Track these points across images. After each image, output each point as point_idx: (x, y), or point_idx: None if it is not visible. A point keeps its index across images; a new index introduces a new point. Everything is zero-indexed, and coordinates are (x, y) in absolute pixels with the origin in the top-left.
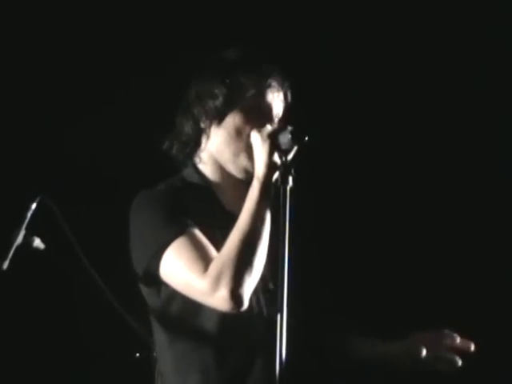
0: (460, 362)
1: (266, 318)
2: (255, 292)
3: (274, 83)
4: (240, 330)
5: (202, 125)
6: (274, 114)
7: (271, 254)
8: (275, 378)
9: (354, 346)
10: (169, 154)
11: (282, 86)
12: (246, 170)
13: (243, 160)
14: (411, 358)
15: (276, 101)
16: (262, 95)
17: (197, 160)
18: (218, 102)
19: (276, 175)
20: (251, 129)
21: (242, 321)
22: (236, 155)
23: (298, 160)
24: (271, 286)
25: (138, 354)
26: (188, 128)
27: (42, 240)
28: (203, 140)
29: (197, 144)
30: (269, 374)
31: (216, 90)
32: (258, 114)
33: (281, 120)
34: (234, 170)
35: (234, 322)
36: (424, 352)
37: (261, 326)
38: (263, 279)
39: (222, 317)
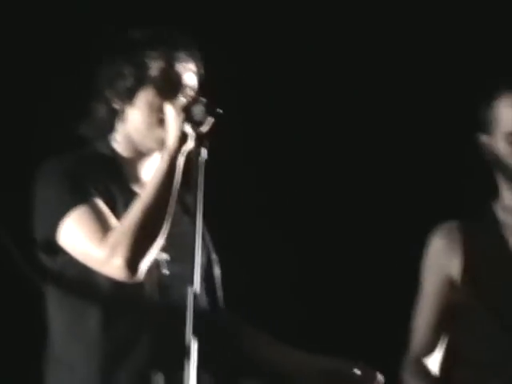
0: None
1: (161, 295)
2: (153, 265)
3: (181, 55)
4: (130, 304)
5: (116, 106)
6: (186, 85)
7: (175, 226)
8: (162, 357)
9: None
10: (84, 137)
11: (193, 58)
12: (161, 141)
13: (159, 132)
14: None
15: (187, 72)
16: (170, 68)
17: (110, 139)
18: (128, 81)
19: (189, 147)
20: (163, 101)
21: (134, 294)
22: (151, 129)
23: (213, 132)
24: (167, 257)
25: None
26: (102, 111)
27: None
28: (117, 121)
29: (111, 126)
30: (155, 352)
31: (124, 71)
32: (168, 87)
33: (197, 92)
34: (151, 143)
35: (125, 294)
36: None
37: (153, 302)
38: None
39: (115, 288)
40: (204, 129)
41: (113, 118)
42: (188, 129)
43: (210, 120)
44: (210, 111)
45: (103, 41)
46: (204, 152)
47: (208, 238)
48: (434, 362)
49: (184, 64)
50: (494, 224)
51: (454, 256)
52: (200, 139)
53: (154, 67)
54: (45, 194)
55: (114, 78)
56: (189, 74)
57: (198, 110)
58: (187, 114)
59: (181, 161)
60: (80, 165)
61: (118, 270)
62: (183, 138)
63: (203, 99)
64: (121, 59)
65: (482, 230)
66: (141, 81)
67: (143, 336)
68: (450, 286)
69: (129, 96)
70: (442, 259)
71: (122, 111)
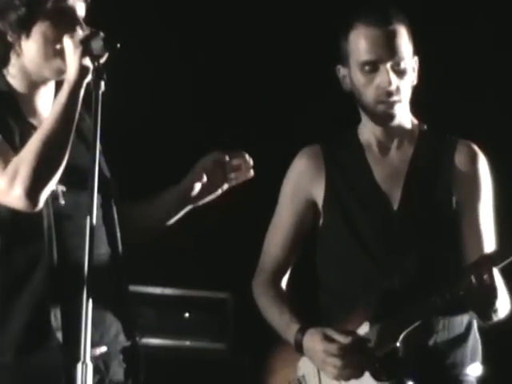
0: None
1: (57, 225)
2: (49, 196)
3: None
4: (29, 234)
5: (10, 39)
6: (78, 16)
7: (71, 157)
8: (58, 287)
9: (139, 211)
10: None
11: None
12: (61, 71)
13: (57, 62)
14: (187, 197)
15: (78, 3)
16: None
17: (5, 73)
18: (21, 12)
19: (88, 79)
20: (59, 33)
21: (32, 224)
22: (48, 60)
23: (110, 65)
24: (63, 188)
25: None
26: None
27: None
28: (12, 55)
29: (6, 60)
30: (51, 283)
31: (16, 2)
32: (63, 18)
33: (86, 22)
34: (49, 73)
35: (24, 224)
36: (198, 186)
37: (50, 227)
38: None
39: (14, 218)
40: (102, 62)
41: (7, 51)
42: (87, 62)
43: (108, 53)
44: (107, 46)
45: None
46: (102, 84)
47: (106, 167)
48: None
49: None
50: (357, 147)
51: (316, 179)
52: (98, 72)
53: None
54: None
55: (6, 8)
56: (80, 5)
57: (97, 45)
58: (86, 47)
59: (81, 93)
60: None
61: (17, 199)
62: (83, 71)
63: (101, 33)
64: None
65: (345, 153)
66: (34, 12)
67: (40, 265)
68: (310, 208)
69: (23, 27)
70: (303, 182)
71: (17, 44)
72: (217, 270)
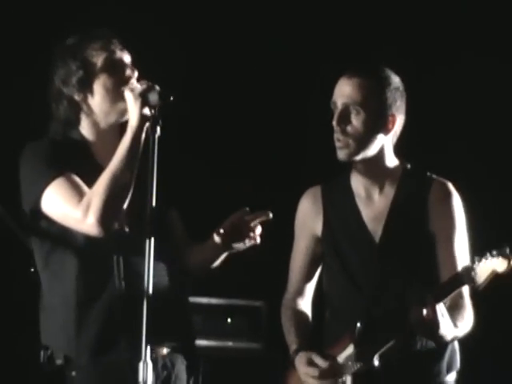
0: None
1: (123, 245)
2: (119, 224)
3: (115, 44)
4: (100, 255)
5: (77, 98)
6: (127, 64)
7: (136, 193)
8: (128, 297)
9: (192, 251)
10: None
11: (121, 44)
12: (125, 111)
13: (121, 105)
14: (217, 245)
15: (124, 54)
16: (111, 55)
17: (78, 127)
18: (79, 74)
19: (146, 126)
20: (116, 81)
21: (103, 247)
22: (114, 104)
23: (164, 114)
24: (130, 220)
25: (32, 269)
26: (63, 109)
27: None
28: (82, 112)
29: (78, 117)
30: (121, 294)
31: (73, 68)
32: (116, 68)
33: (134, 70)
34: (116, 116)
35: (96, 247)
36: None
37: (118, 249)
38: (129, 211)
39: (88, 243)
40: (158, 111)
41: (75, 110)
42: (146, 111)
43: (163, 104)
44: (162, 97)
45: (48, 54)
46: (158, 129)
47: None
48: (307, 303)
49: (119, 49)
50: (348, 192)
51: (317, 216)
52: (155, 119)
53: (98, 59)
54: (28, 170)
55: (67, 76)
56: (125, 56)
57: (153, 97)
58: (144, 99)
59: (142, 137)
60: (54, 146)
61: (91, 227)
62: (143, 118)
63: (157, 87)
64: (67, 60)
65: (339, 196)
66: (90, 71)
67: (111, 280)
68: (315, 240)
69: (84, 86)
70: (308, 220)
71: (84, 101)
72: (253, 283)
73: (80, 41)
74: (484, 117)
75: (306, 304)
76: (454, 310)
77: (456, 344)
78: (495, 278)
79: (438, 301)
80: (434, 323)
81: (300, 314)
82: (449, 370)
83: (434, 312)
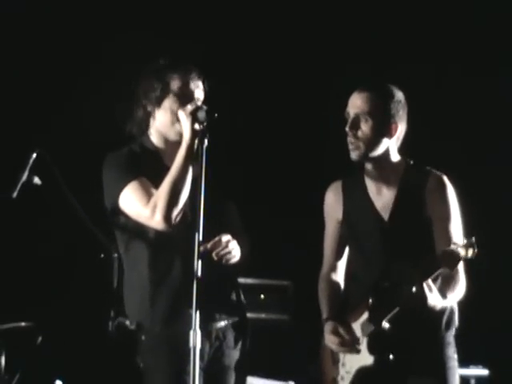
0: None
1: (185, 236)
2: (179, 219)
3: (193, 77)
4: (167, 244)
5: (149, 109)
6: (196, 98)
7: (193, 193)
8: (190, 275)
9: None
10: (129, 131)
11: (199, 79)
12: (180, 134)
13: (178, 127)
14: None
15: (197, 89)
16: (185, 85)
17: (149, 133)
18: (158, 92)
19: (197, 138)
20: (180, 107)
21: (169, 237)
22: (173, 125)
23: (212, 128)
24: (189, 216)
25: (102, 255)
26: (140, 113)
27: (40, 178)
28: (151, 120)
29: (147, 123)
30: (184, 274)
31: (155, 85)
32: (184, 98)
33: (202, 101)
34: (173, 135)
35: (164, 237)
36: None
37: (181, 240)
38: (185, 211)
39: (157, 234)
40: (206, 126)
41: (147, 118)
42: (196, 126)
43: (210, 120)
44: (209, 115)
45: (139, 66)
46: (206, 141)
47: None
48: (338, 277)
49: (195, 82)
50: (363, 186)
51: (339, 206)
52: (203, 133)
53: (175, 84)
54: (109, 174)
55: (148, 90)
56: (198, 90)
57: (202, 115)
58: (194, 117)
59: (194, 148)
60: (131, 154)
61: (158, 223)
62: (194, 133)
63: (204, 106)
64: (153, 78)
65: (355, 190)
66: (165, 92)
67: (176, 262)
68: (338, 225)
69: (157, 102)
70: (332, 209)
71: (153, 112)
72: (281, 265)
73: (167, 65)
74: (476, 120)
75: (337, 278)
76: (445, 281)
77: (455, 305)
78: (465, 261)
79: (425, 279)
80: (422, 298)
81: (332, 287)
82: (447, 328)
83: (421, 288)
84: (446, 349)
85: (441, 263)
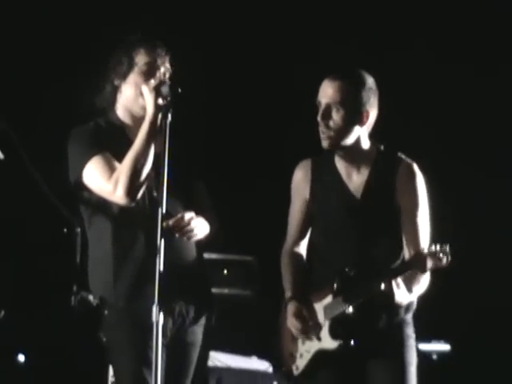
0: None
1: (149, 212)
2: (143, 194)
3: (160, 51)
4: (131, 218)
5: (116, 83)
6: (161, 73)
7: (159, 169)
8: (153, 249)
9: None
10: (98, 105)
11: (166, 55)
12: (144, 108)
13: (141, 101)
14: None
15: (163, 65)
16: (152, 60)
17: (115, 108)
18: (124, 67)
19: (160, 113)
20: (145, 82)
21: (132, 212)
22: (137, 99)
23: (175, 103)
24: (154, 192)
25: (65, 230)
26: (108, 88)
27: (2, 153)
28: (118, 95)
29: (114, 98)
30: (148, 247)
31: (122, 60)
32: (149, 73)
33: (168, 76)
34: (138, 109)
35: (127, 212)
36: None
37: (144, 215)
38: (150, 187)
39: (120, 209)
40: (169, 101)
41: (115, 92)
42: (160, 101)
43: (173, 95)
44: (172, 90)
45: (108, 41)
46: (169, 116)
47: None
48: (302, 254)
49: (161, 58)
50: (333, 168)
51: (307, 184)
52: (166, 107)
53: (141, 59)
54: (73, 149)
55: (117, 65)
56: (164, 66)
57: (165, 89)
58: (157, 91)
59: (157, 123)
60: (96, 129)
61: (120, 198)
62: (157, 107)
63: (168, 81)
64: (121, 53)
65: (325, 170)
66: (131, 66)
67: (139, 237)
68: (306, 202)
69: (123, 76)
70: (300, 186)
71: (120, 87)
72: (246, 241)
73: (134, 41)
74: (449, 109)
75: (301, 255)
76: (412, 274)
77: None
78: (438, 268)
79: (394, 277)
80: (390, 295)
81: (296, 262)
82: (407, 311)
83: (390, 285)
84: (404, 328)
85: (412, 265)
